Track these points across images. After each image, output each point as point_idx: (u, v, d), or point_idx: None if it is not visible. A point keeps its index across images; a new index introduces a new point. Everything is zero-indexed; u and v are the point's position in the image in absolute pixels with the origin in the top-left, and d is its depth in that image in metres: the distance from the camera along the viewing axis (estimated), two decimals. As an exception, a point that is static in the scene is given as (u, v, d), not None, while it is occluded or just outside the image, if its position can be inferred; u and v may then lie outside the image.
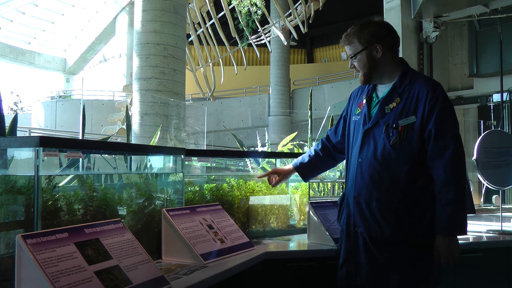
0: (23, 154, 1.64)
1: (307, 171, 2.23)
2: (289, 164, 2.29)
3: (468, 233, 2.68)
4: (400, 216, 1.78)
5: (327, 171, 2.67)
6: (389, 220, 1.79)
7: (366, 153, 1.86)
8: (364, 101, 1.95)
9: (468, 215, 3.12)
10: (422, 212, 1.78)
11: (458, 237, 1.78)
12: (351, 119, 2.00)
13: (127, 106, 5.98)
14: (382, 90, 1.94)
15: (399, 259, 1.79)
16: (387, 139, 1.81)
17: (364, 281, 1.83)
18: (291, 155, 4.39)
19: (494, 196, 4.32)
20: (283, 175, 2.24)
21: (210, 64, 10.88)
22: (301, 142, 5.64)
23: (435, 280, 1.83)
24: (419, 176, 1.79)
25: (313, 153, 2.22)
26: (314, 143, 4.85)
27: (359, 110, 1.96)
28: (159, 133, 4.22)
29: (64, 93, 20.14)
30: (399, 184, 1.79)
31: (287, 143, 4.53)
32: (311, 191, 2.67)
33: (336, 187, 4.81)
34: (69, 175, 2.02)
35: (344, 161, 2.13)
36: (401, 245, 1.79)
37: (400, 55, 6.02)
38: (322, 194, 5.15)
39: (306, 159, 2.22)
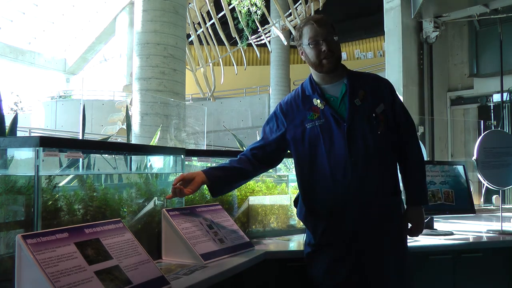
0: (23, 154, 1.64)
1: (220, 184, 1.95)
2: (199, 171, 1.91)
3: (468, 233, 2.70)
4: (400, 203, 1.92)
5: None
6: (394, 209, 1.88)
7: (357, 150, 1.79)
8: (321, 104, 1.86)
9: (468, 215, 3.15)
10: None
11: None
12: (305, 127, 1.88)
13: (127, 106, 5.98)
14: (334, 89, 1.89)
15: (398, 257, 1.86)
16: (374, 130, 1.82)
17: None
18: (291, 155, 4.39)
19: (494, 196, 4.33)
20: (194, 186, 1.86)
21: (210, 64, 10.89)
22: (301, 142, 5.63)
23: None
24: (396, 161, 1.93)
25: (230, 164, 1.98)
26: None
27: (317, 115, 1.86)
28: (159, 133, 4.22)
29: (64, 93, 20.13)
30: (392, 172, 1.90)
31: (287, 143, 4.51)
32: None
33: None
34: (69, 175, 2.02)
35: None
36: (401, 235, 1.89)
37: (401, 55, 6.02)
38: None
39: (219, 170, 1.95)
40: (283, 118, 1.97)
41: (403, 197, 1.94)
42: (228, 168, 1.97)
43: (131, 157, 2.30)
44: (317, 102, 1.88)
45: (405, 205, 1.92)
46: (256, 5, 10.66)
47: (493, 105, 5.95)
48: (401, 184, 1.94)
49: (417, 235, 1.92)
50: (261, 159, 2.00)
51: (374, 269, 1.80)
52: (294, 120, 1.93)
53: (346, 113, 1.82)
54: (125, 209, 1.84)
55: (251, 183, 2.53)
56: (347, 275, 1.80)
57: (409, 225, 1.91)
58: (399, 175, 1.94)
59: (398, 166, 1.93)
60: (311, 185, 1.89)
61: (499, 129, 5.25)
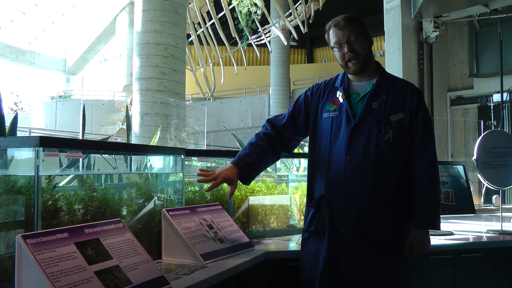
0: (23, 154, 1.64)
1: (252, 172, 1.97)
2: (230, 165, 1.90)
3: (468, 233, 2.70)
4: (393, 213, 1.80)
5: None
6: (383, 217, 1.79)
7: (356, 150, 1.80)
8: (342, 98, 1.90)
9: (468, 215, 3.15)
10: (404, 210, 1.82)
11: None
12: (322, 115, 1.94)
13: (127, 106, 5.98)
14: (361, 87, 1.90)
15: (385, 263, 1.79)
16: (380, 135, 1.79)
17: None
18: (291, 155, 4.39)
19: (494, 196, 4.33)
20: (234, 182, 1.88)
21: (210, 64, 10.88)
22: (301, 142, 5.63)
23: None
24: (406, 173, 1.83)
25: (255, 148, 1.97)
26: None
27: (335, 107, 1.90)
28: (159, 133, 4.22)
29: (64, 93, 20.12)
30: (392, 181, 1.81)
31: (287, 143, 4.51)
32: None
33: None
34: (69, 175, 2.02)
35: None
36: (390, 245, 1.80)
37: (400, 55, 5.99)
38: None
39: (249, 158, 1.93)
40: (310, 98, 2.02)
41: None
42: (258, 153, 1.95)
43: (131, 157, 2.30)
44: (339, 94, 1.92)
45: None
46: (256, 5, 10.65)
47: (493, 105, 5.94)
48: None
49: (411, 256, 1.79)
50: (286, 137, 2.04)
51: (348, 276, 1.78)
52: (318, 105, 1.98)
53: (359, 112, 1.84)
54: (125, 209, 1.84)
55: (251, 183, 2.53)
56: (320, 272, 1.82)
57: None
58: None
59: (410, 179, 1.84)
60: (313, 172, 1.95)
61: (499, 129, 5.25)
